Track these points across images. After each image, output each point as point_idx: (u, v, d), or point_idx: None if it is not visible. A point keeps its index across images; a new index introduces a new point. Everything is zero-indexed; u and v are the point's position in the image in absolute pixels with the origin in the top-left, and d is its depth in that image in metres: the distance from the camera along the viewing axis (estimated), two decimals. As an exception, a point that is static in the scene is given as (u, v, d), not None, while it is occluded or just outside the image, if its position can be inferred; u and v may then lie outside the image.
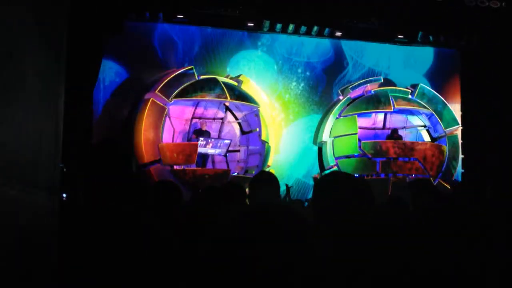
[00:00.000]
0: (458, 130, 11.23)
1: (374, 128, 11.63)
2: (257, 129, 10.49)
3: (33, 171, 1.66)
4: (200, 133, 10.13)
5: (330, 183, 2.10)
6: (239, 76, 10.50)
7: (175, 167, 9.76)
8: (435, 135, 11.35)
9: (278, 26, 10.46)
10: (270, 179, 3.36)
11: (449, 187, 10.62)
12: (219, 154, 10.34)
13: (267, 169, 10.34)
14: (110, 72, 9.82)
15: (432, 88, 11.31)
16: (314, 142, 11.09)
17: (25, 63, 1.58)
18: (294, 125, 11.03)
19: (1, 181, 1.31)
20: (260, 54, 10.83)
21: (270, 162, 10.43)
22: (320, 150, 11.09)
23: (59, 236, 1.74)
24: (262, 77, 10.78)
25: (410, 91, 11.18)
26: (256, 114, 10.42)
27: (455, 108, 11.38)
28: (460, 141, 11.19)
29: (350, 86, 11.12)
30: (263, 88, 10.70)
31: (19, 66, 1.54)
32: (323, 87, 11.15)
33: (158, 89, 9.79)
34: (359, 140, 10.72)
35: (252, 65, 10.78)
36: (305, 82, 11.05)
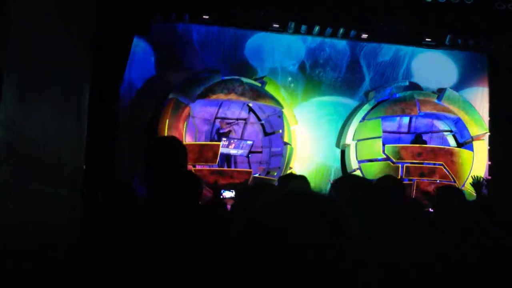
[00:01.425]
0: (485, 136, 10.98)
1: (399, 132, 11.47)
2: (280, 131, 10.46)
3: (56, 166, 1.68)
4: (222, 133, 10.18)
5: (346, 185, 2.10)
6: (263, 77, 10.48)
7: (197, 166, 9.81)
8: (461, 140, 11.13)
9: (303, 27, 10.40)
10: (300, 176, 3.39)
11: (475, 194, 10.39)
12: (241, 155, 10.35)
13: (289, 171, 10.32)
14: (136, 71, 9.92)
15: (459, 92, 11.09)
16: (337, 145, 11.00)
17: (50, 61, 1.60)
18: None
19: (24, 174, 1.34)
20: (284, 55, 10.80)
21: (292, 164, 10.39)
22: (343, 153, 10.99)
23: (82, 230, 1.76)
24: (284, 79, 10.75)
25: (436, 95, 10.99)
26: (279, 116, 10.39)
27: (483, 113, 11.14)
28: (487, 147, 10.94)
29: (375, 89, 11.00)
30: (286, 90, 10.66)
31: (45, 65, 1.56)
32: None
33: (182, 89, 9.85)
34: (383, 144, 10.59)
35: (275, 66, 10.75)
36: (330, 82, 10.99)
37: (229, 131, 10.43)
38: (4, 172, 1.13)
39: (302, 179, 3.28)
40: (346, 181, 2.18)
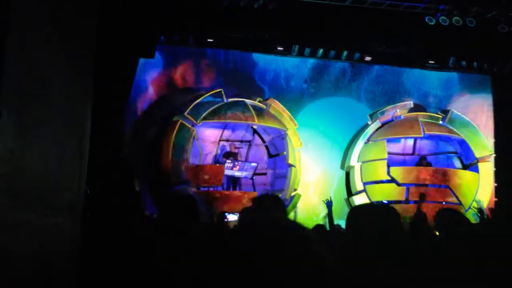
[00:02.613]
0: (491, 158, 10.92)
1: (403, 154, 11.43)
2: (284, 153, 10.45)
3: (55, 193, 1.67)
4: (228, 155, 10.19)
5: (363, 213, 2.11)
6: (267, 99, 10.52)
7: (201, 188, 9.78)
8: (466, 162, 11.06)
9: (307, 50, 10.48)
10: (274, 196, 3.38)
11: (479, 215, 10.29)
12: (245, 177, 10.32)
13: (293, 193, 10.28)
14: (139, 93, 9.99)
15: (463, 114, 11.08)
16: (342, 166, 10.96)
17: (51, 89, 1.61)
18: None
19: (21, 206, 1.32)
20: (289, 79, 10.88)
21: (297, 185, 10.36)
22: (347, 175, 10.95)
23: (81, 258, 1.75)
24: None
25: (441, 116, 10.98)
26: (283, 138, 10.39)
27: (488, 135, 11.10)
28: (493, 169, 10.87)
29: (380, 111, 11.01)
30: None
31: (45, 93, 1.57)
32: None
33: (187, 111, 9.89)
34: (388, 165, 10.54)
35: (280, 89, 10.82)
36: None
37: (236, 153, 10.44)
38: (1, 205, 1.12)
39: (276, 201, 3.24)
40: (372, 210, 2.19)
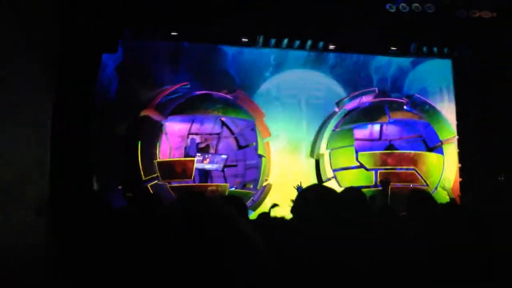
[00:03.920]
0: (454, 139, 11.25)
1: (371, 140, 11.66)
2: (254, 143, 10.51)
3: (22, 188, 1.68)
4: (201, 149, 10.20)
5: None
6: (235, 90, 10.54)
7: (172, 183, 9.76)
8: (431, 145, 11.37)
9: (272, 41, 10.55)
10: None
11: (447, 196, 10.62)
12: (216, 170, 10.35)
13: (265, 183, 10.36)
14: (104, 89, 9.83)
15: (426, 98, 11.37)
16: (311, 155, 11.11)
17: (17, 81, 1.61)
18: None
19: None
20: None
21: (268, 176, 10.45)
22: (317, 163, 11.10)
23: (47, 254, 1.76)
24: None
25: (405, 101, 11.23)
26: (252, 128, 10.45)
27: (450, 118, 11.42)
28: (456, 150, 11.21)
29: (345, 98, 11.19)
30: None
31: (11, 85, 1.57)
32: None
33: (154, 105, 9.83)
34: (356, 151, 10.74)
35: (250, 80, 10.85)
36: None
37: (208, 146, 10.45)
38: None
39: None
40: (311, 191, 2.25)
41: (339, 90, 11.28)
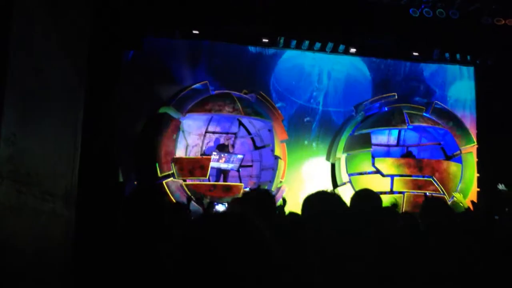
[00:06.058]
0: (473, 148, 11.10)
1: (388, 145, 11.55)
2: (270, 144, 10.48)
3: (52, 180, 1.68)
4: (218, 148, 10.21)
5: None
6: (253, 91, 10.52)
7: (187, 180, 9.77)
8: (450, 153, 11.23)
9: (293, 42, 10.51)
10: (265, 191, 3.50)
11: (464, 206, 10.47)
12: (232, 169, 10.34)
13: (279, 185, 10.33)
14: (126, 86, 9.88)
15: (447, 106, 11.23)
16: (328, 158, 11.04)
17: (50, 79, 1.61)
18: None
19: (23, 189, 1.34)
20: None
21: (283, 177, 10.40)
22: (333, 167, 11.03)
23: (75, 243, 1.76)
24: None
25: (424, 108, 11.10)
26: (269, 130, 10.42)
27: (471, 126, 11.26)
28: (475, 160, 11.05)
29: (364, 103, 11.10)
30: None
31: (46, 81, 1.57)
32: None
33: (173, 103, 9.85)
34: (373, 157, 10.65)
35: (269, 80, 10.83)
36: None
37: (225, 145, 10.45)
38: (6, 187, 1.13)
39: (266, 194, 3.35)
40: (317, 196, 2.29)
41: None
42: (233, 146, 10.43)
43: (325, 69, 11.08)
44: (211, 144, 10.69)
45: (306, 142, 11.00)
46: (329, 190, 2.37)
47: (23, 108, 1.15)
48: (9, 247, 1.07)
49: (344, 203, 2.26)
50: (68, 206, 1.53)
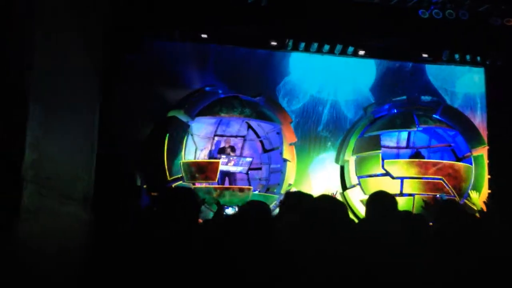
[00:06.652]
0: (484, 150, 11.00)
1: (398, 147, 11.49)
2: (279, 147, 10.46)
3: (71, 183, 1.68)
4: (223, 150, 10.19)
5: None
6: (262, 94, 10.50)
7: (196, 184, 9.77)
8: (460, 154, 11.14)
9: (302, 44, 10.49)
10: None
11: (475, 208, 10.37)
12: (240, 172, 10.33)
13: (289, 187, 10.29)
14: (133, 90, 9.91)
15: (457, 107, 11.16)
16: (337, 160, 11.00)
17: (71, 84, 1.62)
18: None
19: (45, 192, 1.34)
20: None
21: (292, 180, 10.37)
22: (342, 169, 10.98)
23: (94, 245, 1.76)
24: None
25: (434, 109, 11.03)
26: (278, 132, 10.41)
27: (482, 127, 11.18)
28: (486, 161, 10.95)
29: (373, 105, 11.05)
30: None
31: (67, 88, 1.58)
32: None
33: (181, 107, 9.86)
34: (382, 159, 10.59)
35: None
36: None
37: (234, 148, 10.45)
38: (29, 191, 1.14)
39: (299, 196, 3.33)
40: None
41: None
42: (232, 148, 10.38)
43: (333, 71, 11.05)
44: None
45: (313, 147, 10.99)
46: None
47: (46, 112, 1.15)
48: (32, 248, 1.08)
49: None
50: (85, 208, 1.53)
